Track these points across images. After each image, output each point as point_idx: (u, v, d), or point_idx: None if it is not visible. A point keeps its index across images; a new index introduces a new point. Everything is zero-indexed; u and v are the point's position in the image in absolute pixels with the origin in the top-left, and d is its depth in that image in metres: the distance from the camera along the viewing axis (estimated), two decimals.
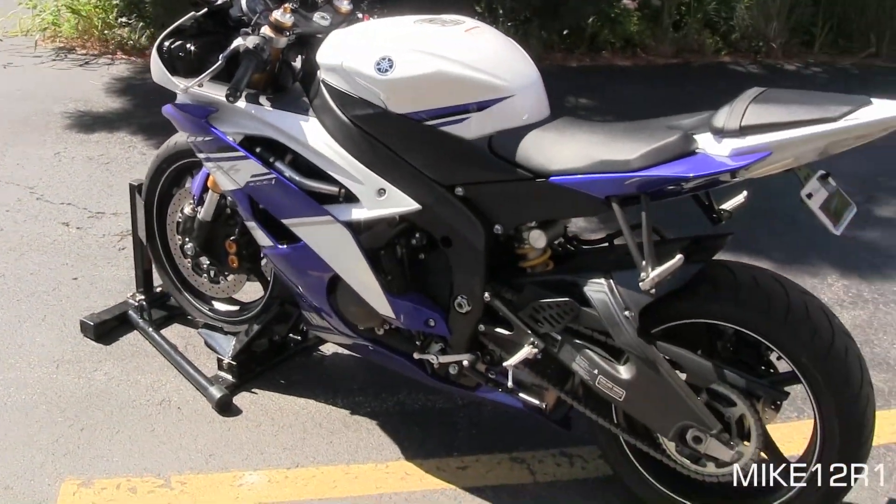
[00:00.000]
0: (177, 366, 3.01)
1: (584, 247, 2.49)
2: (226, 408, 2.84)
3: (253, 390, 2.96)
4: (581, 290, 2.26)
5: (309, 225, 2.46)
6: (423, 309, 2.46)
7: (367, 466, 2.65)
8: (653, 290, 2.11)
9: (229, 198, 2.64)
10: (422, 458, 2.68)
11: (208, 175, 2.81)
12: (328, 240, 2.45)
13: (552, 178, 2.21)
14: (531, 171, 2.25)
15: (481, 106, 2.26)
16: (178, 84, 2.55)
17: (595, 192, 2.17)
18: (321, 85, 2.43)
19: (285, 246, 2.56)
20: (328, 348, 3.16)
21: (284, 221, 2.52)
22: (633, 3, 6.37)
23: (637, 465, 2.43)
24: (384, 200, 2.36)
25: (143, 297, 3.24)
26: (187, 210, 2.92)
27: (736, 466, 2.24)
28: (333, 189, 2.44)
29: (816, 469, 2.21)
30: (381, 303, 2.46)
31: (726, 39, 6.40)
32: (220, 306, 3.12)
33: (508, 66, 2.33)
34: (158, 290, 3.30)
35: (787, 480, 2.26)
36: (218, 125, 2.55)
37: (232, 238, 2.84)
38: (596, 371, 2.27)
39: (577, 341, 2.30)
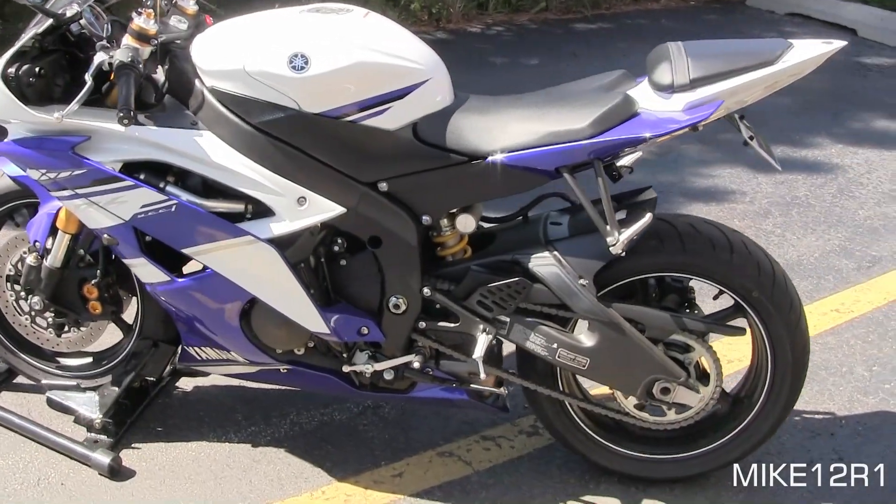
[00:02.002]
0: (37, 438, 2.58)
1: (495, 226, 2.45)
2: (117, 472, 2.49)
3: (133, 445, 2.61)
4: (525, 268, 2.24)
5: (221, 249, 2.21)
6: (354, 317, 2.31)
7: (302, 498, 2.45)
8: (623, 252, 2.14)
9: (104, 237, 2.28)
10: (354, 476, 2.53)
11: (55, 216, 2.42)
12: (247, 262, 2.21)
13: (490, 157, 2.15)
14: (465, 154, 2.17)
15: (402, 93, 2.15)
16: (40, 115, 2.16)
17: (544, 166, 2.15)
18: (207, 94, 2.17)
19: (185, 279, 2.28)
20: (185, 384, 2.87)
21: (187, 251, 2.24)
22: None
23: (585, 427, 2.46)
24: (306, 209, 2.17)
25: None
26: (30, 259, 2.49)
27: (696, 408, 2.34)
28: (239, 206, 2.21)
29: (766, 394, 2.36)
30: (311, 319, 2.27)
31: (408, 11, 6.51)
32: (70, 361, 2.72)
33: (417, 49, 2.22)
34: None
35: (749, 408, 2.40)
36: (90, 155, 2.19)
37: (93, 282, 2.48)
38: (555, 345, 2.26)
39: (529, 319, 2.27)
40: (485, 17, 7.02)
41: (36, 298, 2.52)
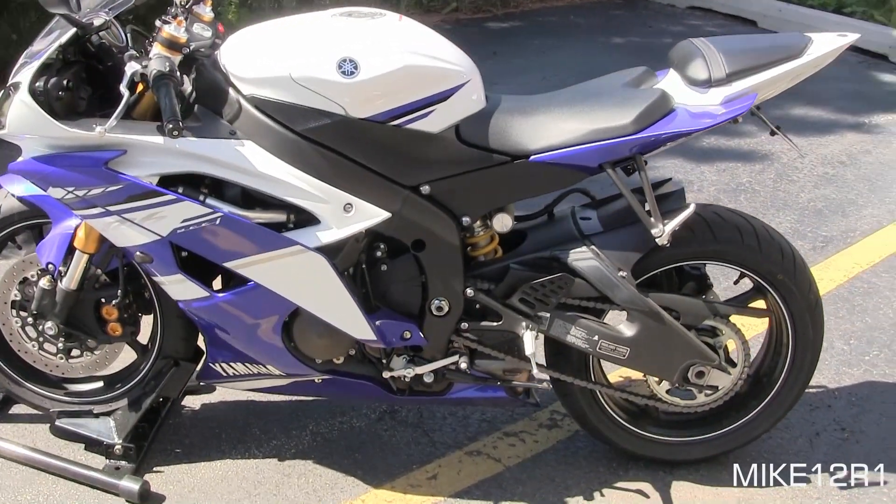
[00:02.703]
0: (53, 469, 2.47)
1: (523, 224, 2.48)
2: (147, 498, 2.41)
3: (154, 469, 2.53)
4: (565, 263, 2.28)
5: (267, 261, 2.16)
6: (397, 322, 2.30)
7: None
8: (668, 243, 2.20)
9: (137, 254, 2.20)
10: (388, 482, 2.52)
11: (73, 236, 2.32)
12: (295, 272, 2.17)
13: (534, 156, 2.19)
14: (508, 154, 2.20)
15: (444, 96, 2.16)
16: (72, 130, 2.06)
17: (588, 162, 2.20)
18: (245, 103, 2.12)
19: (226, 294, 2.23)
20: (191, 402, 2.79)
21: (230, 265, 2.18)
22: None
23: (616, 415, 2.52)
24: (352, 216, 2.15)
25: None
26: (43, 283, 2.37)
27: (726, 389, 2.43)
28: (281, 216, 2.17)
29: (787, 371, 2.48)
30: (358, 326, 2.25)
31: None
32: (79, 387, 2.61)
33: (454, 52, 2.24)
34: None
35: (770, 385, 2.51)
36: (125, 170, 2.11)
37: (113, 303, 2.38)
38: (596, 337, 2.32)
39: (569, 314, 2.32)
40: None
41: (49, 323, 2.41)
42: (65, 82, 2.10)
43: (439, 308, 2.29)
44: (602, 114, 2.20)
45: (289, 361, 2.34)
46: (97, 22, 2.13)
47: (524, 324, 2.31)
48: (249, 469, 2.55)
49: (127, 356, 2.62)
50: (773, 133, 2.29)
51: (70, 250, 2.34)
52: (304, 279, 2.19)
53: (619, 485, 2.53)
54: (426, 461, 2.60)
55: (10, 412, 2.69)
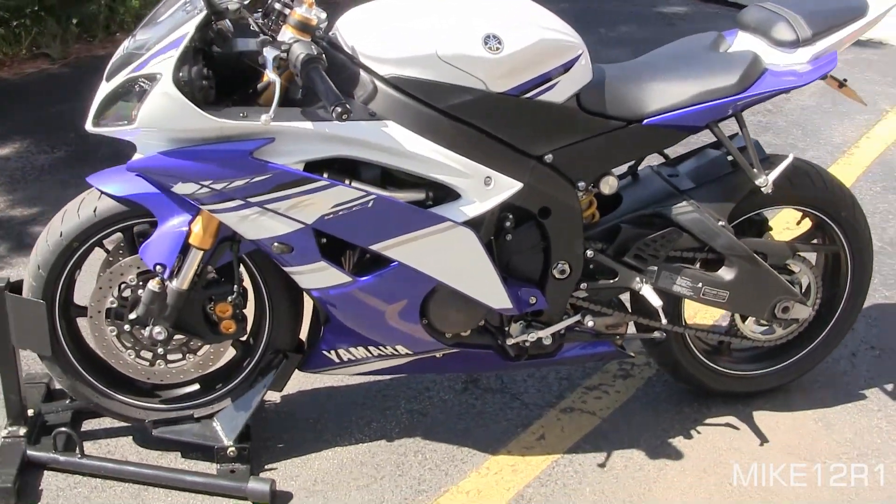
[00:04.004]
0: (164, 482, 2.37)
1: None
2: (276, 497, 2.36)
3: (266, 467, 2.48)
4: (669, 218, 2.41)
5: (416, 240, 2.16)
6: (525, 289, 2.36)
7: (471, 478, 2.47)
8: (770, 191, 2.37)
9: (274, 245, 2.14)
10: (503, 447, 2.58)
11: (187, 233, 2.22)
12: (443, 248, 2.18)
13: (648, 120, 2.30)
14: (623, 119, 2.30)
15: (567, 66, 2.23)
16: (222, 120, 1.98)
17: (696, 122, 2.34)
18: (381, 83, 2.11)
19: (369, 277, 2.21)
20: (271, 396, 2.72)
21: (376, 247, 2.16)
22: None
23: (702, 356, 2.68)
24: (492, 189, 2.18)
25: (15, 428, 2.44)
26: (152, 285, 2.25)
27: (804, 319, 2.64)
28: (421, 194, 2.18)
29: (846, 299, 2.71)
30: (498, 297, 2.29)
31: None
32: (175, 392, 2.50)
33: (564, 24, 2.30)
34: (30, 412, 2.49)
35: (831, 314, 2.73)
36: (271, 158, 2.05)
37: (229, 299, 2.30)
38: (700, 284, 2.46)
39: (675, 265, 2.45)
40: None
41: (158, 328, 2.30)
42: (204, 70, 2.02)
43: (562, 271, 2.36)
44: (706, 76, 2.33)
45: (420, 339, 2.35)
46: (232, 7, 2.05)
47: (638, 278, 2.42)
48: (363, 453, 2.54)
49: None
50: (841, 86, 2.50)
51: (183, 249, 2.24)
52: (452, 255, 2.21)
53: (707, 421, 2.70)
54: (527, 424, 2.67)
55: (82, 429, 2.55)
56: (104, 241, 2.34)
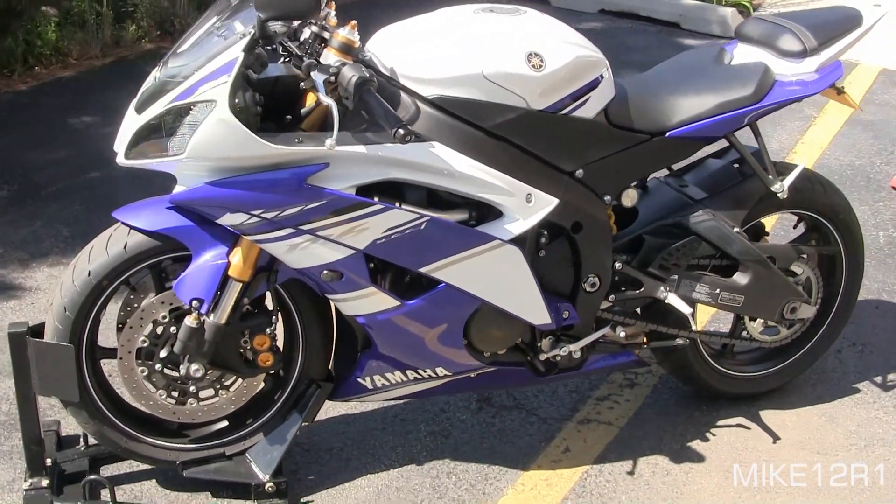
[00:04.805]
0: None
1: None
2: None
3: (303, 501, 2.43)
4: (687, 227, 2.48)
5: (465, 259, 2.16)
6: (559, 304, 2.39)
7: (510, 496, 2.49)
8: (785, 195, 2.47)
9: (323, 273, 2.10)
10: (532, 462, 2.61)
11: (226, 265, 2.16)
12: (491, 266, 2.19)
13: (670, 132, 2.37)
14: (647, 132, 2.37)
15: (596, 83, 2.28)
16: (280, 146, 1.95)
17: (716, 133, 2.42)
18: (423, 104, 2.11)
19: (416, 300, 2.20)
20: None
21: (426, 269, 2.15)
22: (54, 9, 5.70)
23: (712, 360, 2.76)
24: (533, 206, 2.21)
25: (37, 479, 2.32)
26: (189, 321, 2.17)
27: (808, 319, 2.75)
28: (464, 214, 2.19)
29: (842, 296, 2.84)
30: (540, 313, 2.31)
31: (140, 26, 6.14)
32: (204, 431, 2.42)
33: (585, 38, 2.35)
34: (49, 462, 2.37)
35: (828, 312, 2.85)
36: (325, 184, 2.02)
37: (267, 331, 2.25)
38: (718, 290, 2.54)
39: (693, 273, 2.52)
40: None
41: (196, 365, 2.23)
42: (256, 96, 1.98)
43: (593, 284, 2.40)
44: (723, 88, 2.42)
45: (460, 360, 2.35)
46: (279, 30, 2.02)
47: (662, 288, 2.48)
48: (396, 479, 2.52)
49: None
50: (839, 93, 2.62)
51: (222, 282, 2.18)
52: (499, 273, 2.22)
53: (720, 423, 2.78)
54: (549, 438, 2.70)
55: (102, 473, 2.44)
56: (131, 279, 2.26)
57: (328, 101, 1.96)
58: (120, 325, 2.28)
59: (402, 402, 2.74)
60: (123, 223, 2.18)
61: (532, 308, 2.30)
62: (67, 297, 2.18)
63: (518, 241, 2.21)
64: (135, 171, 2.13)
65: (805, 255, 2.72)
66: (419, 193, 2.15)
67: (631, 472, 2.57)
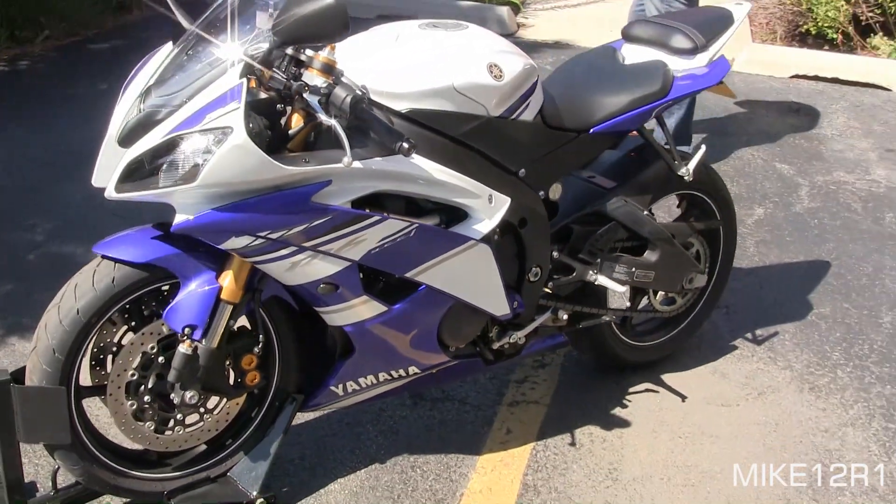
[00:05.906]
0: None
1: None
2: None
3: None
4: (606, 214, 2.75)
5: (445, 261, 2.30)
6: (511, 295, 2.57)
7: (475, 478, 2.65)
8: (691, 178, 2.79)
9: (320, 287, 2.16)
10: (484, 447, 2.77)
11: (219, 290, 2.17)
12: (466, 266, 2.34)
13: (594, 128, 2.62)
14: (575, 130, 2.61)
15: (533, 88, 2.49)
16: (291, 168, 2.00)
17: (631, 126, 2.70)
18: (397, 118, 2.22)
19: (400, 304, 2.31)
20: None
21: (410, 274, 2.27)
22: None
23: (621, 334, 3.05)
24: (495, 206, 2.38)
25: None
26: (183, 348, 2.15)
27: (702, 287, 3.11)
28: (436, 218, 2.33)
29: (720, 264, 3.21)
30: (501, 305, 2.49)
31: None
32: (185, 458, 2.39)
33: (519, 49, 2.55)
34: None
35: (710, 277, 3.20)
36: (327, 201, 2.09)
37: (255, 350, 2.28)
38: (633, 269, 2.83)
39: (612, 255, 2.80)
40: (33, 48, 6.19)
41: (190, 392, 2.22)
42: (263, 119, 2.02)
43: (536, 274, 2.61)
44: (634, 86, 2.69)
45: (432, 357, 2.48)
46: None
47: (591, 271, 2.73)
48: (367, 479, 2.61)
49: None
50: (719, 83, 2.98)
51: (213, 306, 2.19)
52: (472, 271, 2.37)
53: (632, 390, 3.07)
54: (489, 422, 2.88)
55: None
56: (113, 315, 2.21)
57: (329, 120, 2.03)
58: (94, 362, 2.24)
59: (429, 387, 2.86)
60: (108, 258, 2.14)
61: (497, 301, 2.48)
62: (56, 338, 2.12)
63: (486, 239, 2.38)
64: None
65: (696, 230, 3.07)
66: (400, 202, 2.27)
67: (572, 444, 2.80)
